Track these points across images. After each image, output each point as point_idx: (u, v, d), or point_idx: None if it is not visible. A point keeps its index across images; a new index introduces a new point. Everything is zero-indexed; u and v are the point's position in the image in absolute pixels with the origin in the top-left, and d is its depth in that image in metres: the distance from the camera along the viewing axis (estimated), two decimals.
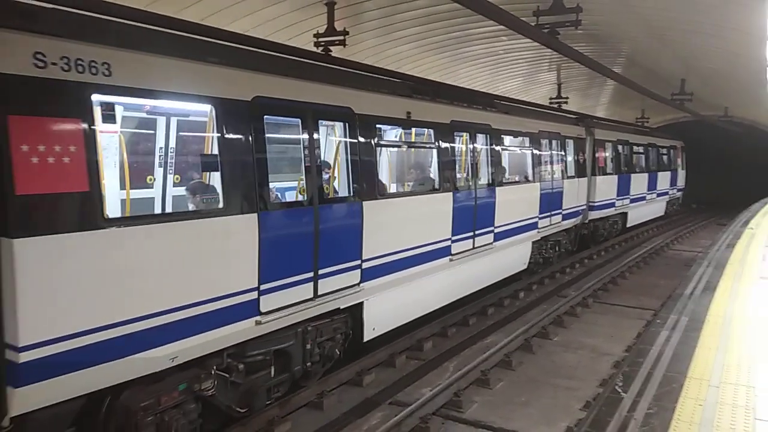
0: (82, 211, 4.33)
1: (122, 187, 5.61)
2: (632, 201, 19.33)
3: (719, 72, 16.58)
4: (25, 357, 4.04)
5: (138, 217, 5.23)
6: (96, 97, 4.48)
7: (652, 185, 21.58)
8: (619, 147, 17.89)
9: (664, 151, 23.42)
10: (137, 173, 6.30)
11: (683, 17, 11.23)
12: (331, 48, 8.51)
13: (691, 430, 4.27)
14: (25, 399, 4.12)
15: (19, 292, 3.97)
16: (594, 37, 13.74)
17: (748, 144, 34.67)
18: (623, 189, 18.24)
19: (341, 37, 8.45)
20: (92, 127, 4.39)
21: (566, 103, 18.40)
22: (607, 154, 16.94)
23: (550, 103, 18.03)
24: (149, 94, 5.00)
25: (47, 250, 4.11)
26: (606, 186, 16.71)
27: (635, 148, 19.65)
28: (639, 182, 19.92)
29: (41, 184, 4.08)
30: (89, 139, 4.35)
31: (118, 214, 5.36)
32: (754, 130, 30.72)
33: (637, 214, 20.40)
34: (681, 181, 26.46)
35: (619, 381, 5.18)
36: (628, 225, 19.81)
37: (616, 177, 17.50)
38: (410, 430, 6.22)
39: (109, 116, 4.87)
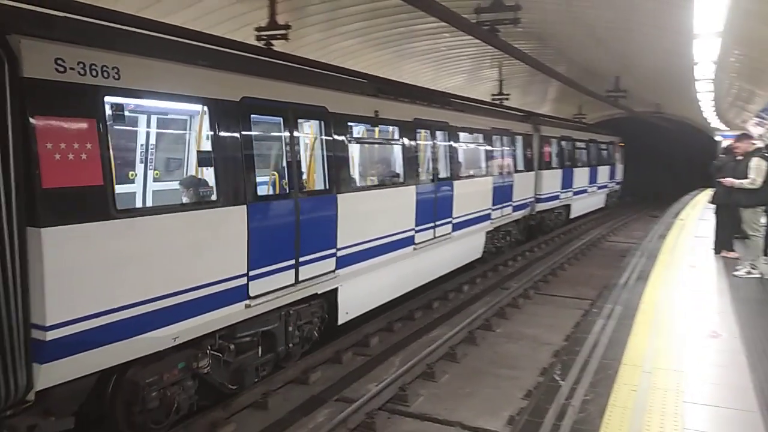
0: (97, 203, 4.73)
1: (129, 180, 6.50)
2: (575, 194, 20.36)
3: (651, 70, 17.28)
4: (51, 335, 4.46)
5: (146, 208, 6.13)
6: (108, 99, 4.95)
7: (593, 179, 22.71)
8: (563, 143, 18.76)
9: (604, 146, 24.55)
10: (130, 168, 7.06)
11: (617, 17, 11.64)
12: (273, 42, 8.39)
13: (625, 415, 4.45)
14: (49, 375, 4.53)
15: (46, 276, 4.38)
16: (533, 35, 14.06)
17: (678, 139, 36.37)
18: (567, 182, 19.14)
19: (283, 31, 8.33)
20: (105, 125, 4.83)
21: (508, 99, 18.78)
22: (552, 150, 17.81)
23: (493, 99, 18.37)
24: (152, 95, 5.47)
25: (70, 238, 4.53)
26: (551, 180, 17.56)
27: (577, 143, 20.58)
28: (581, 176, 20.96)
29: (64, 178, 4.49)
30: (102, 137, 4.77)
31: (131, 206, 6.09)
32: (685, 126, 32.24)
33: (579, 206, 21.49)
34: (619, 175, 27.85)
35: (557, 370, 5.35)
36: (571, 216, 20.77)
37: (560, 171, 18.42)
38: (356, 427, 6.23)
39: (119, 116, 5.45)
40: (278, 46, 8.60)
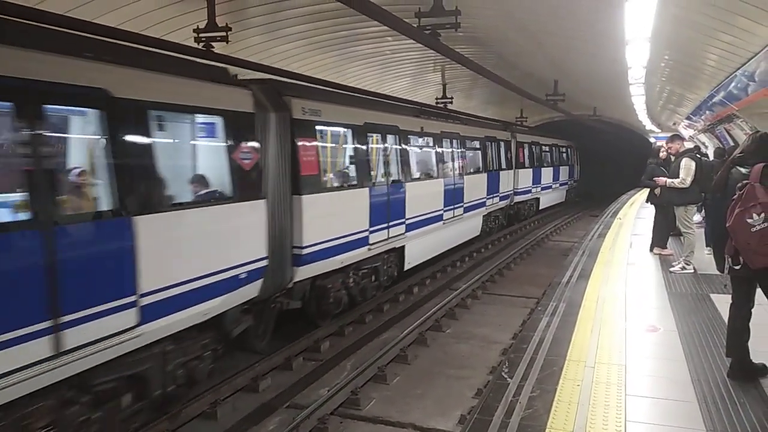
0: (318, 183, 8.69)
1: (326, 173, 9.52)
2: (543, 189, 25.03)
3: (588, 74, 17.82)
4: (304, 252, 8.22)
5: (335, 187, 9.55)
6: (317, 128, 8.76)
7: (556, 177, 27.82)
8: (533, 147, 23.51)
9: (564, 149, 29.97)
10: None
11: (554, 22, 11.95)
12: (213, 44, 8.21)
13: (571, 410, 4.57)
14: (299, 274, 8.28)
15: (304, 220, 8.15)
16: (474, 40, 14.28)
17: (615, 141, 37.66)
18: (536, 179, 23.80)
19: (223, 33, 8.16)
20: (317, 143, 8.70)
21: (451, 103, 18.97)
22: (525, 153, 22.23)
23: (437, 102, 18.54)
24: (331, 125, 9.45)
25: (312, 201, 8.33)
26: (525, 177, 22.04)
27: (544, 147, 25.54)
28: (548, 174, 25.91)
29: (307, 170, 8.32)
30: (318, 149, 8.76)
31: (330, 185, 9.48)
32: (621, 129, 33.43)
33: (546, 199, 26.35)
34: (576, 174, 33.60)
35: (505, 368, 5.44)
36: (540, 207, 25.52)
37: (531, 170, 22.97)
38: None
39: (322, 137, 9.14)
40: (218, 48, 8.43)
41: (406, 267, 11.98)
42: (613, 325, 6.67)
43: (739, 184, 4.78)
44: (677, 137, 10.21)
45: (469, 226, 16.03)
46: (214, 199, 6.57)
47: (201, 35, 8.33)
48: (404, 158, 11.60)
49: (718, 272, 5.17)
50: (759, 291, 4.99)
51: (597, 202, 29.52)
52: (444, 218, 13.57)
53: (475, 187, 16.08)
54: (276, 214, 7.69)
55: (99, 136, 5.20)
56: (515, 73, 17.39)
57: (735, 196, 4.75)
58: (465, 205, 15.02)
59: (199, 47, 8.27)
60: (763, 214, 4.54)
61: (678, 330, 6.42)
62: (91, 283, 4.94)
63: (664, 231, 10.85)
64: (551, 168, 26.80)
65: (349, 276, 9.88)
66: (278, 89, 8.26)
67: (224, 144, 6.66)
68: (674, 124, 20.73)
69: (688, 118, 16.73)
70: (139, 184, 5.46)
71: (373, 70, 16.90)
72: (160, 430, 6.03)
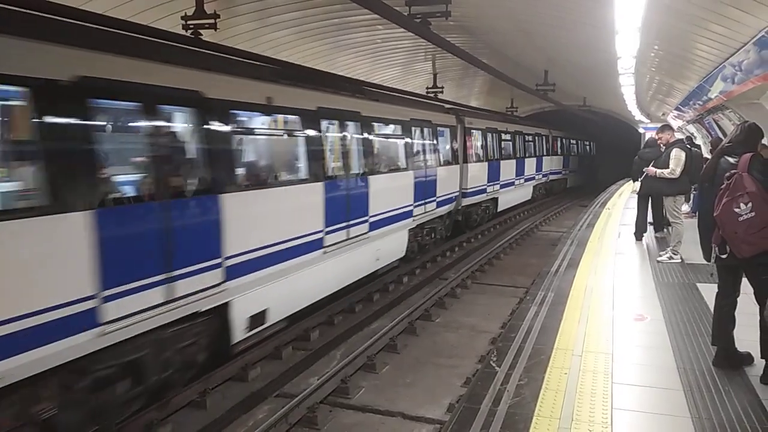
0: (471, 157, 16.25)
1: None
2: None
3: (577, 64, 17.84)
4: (465, 192, 16.40)
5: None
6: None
7: (566, 164, 31.37)
8: (560, 139, 25.44)
9: (574, 141, 31.02)
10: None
11: (545, 12, 11.93)
12: (201, 32, 8.12)
13: (558, 397, 4.61)
14: (464, 202, 16.44)
15: (468, 176, 16.42)
16: (465, 29, 14.24)
17: (604, 131, 37.81)
18: (565, 164, 28.00)
19: (211, 20, 8.07)
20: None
21: (442, 92, 18.94)
22: (557, 145, 25.61)
23: (427, 92, 18.50)
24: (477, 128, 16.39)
25: (470, 167, 16.55)
26: (551, 162, 25.64)
27: (562, 140, 28.14)
28: (550, 162, 27.71)
29: (469, 154, 16.52)
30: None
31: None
32: (610, 119, 33.56)
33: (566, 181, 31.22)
34: (572, 164, 33.66)
35: (493, 357, 5.46)
36: (568, 187, 30.69)
37: (561, 157, 27.10)
38: (297, 422, 6.19)
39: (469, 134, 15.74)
40: (207, 36, 8.34)
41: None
42: (600, 314, 6.72)
43: (727, 174, 4.81)
44: (667, 127, 10.26)
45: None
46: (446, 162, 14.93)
47: (189, 22, 8.25)
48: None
49: (704, 261, 5.21)
50: (745, 280, 5.04)
51: (587, 192, 29.66)
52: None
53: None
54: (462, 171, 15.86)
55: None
56: (506, 63, 17.38)
57: (723, 186, 4.78)
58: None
59: (188, 34, 8.18)
60: (750, 204, 4.57)
61: (665, 319, 6.48)
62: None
63: (645, 220, 11.19)
64: (560, 156, 28.40)
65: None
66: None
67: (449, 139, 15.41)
68: (663, 114, 20.82)
69: (677, 108, 16.80)
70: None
71: (364, 58, 16.83)
72: (150, 420, 6.02)
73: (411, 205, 12.29)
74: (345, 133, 9.69)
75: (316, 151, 8.59)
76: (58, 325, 4.69)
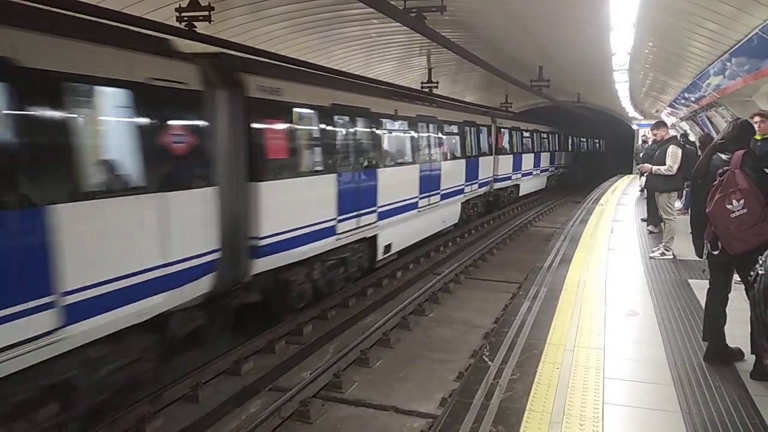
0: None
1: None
2: (556, 167, 29.47)
3: (572, 60, 17.88)
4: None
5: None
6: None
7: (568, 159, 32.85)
8: (574, 137, 27.39)
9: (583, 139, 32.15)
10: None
11: (541, 8, 11.94)
12: (196, 24, 8.08)
13: (550, 392, 4.63)
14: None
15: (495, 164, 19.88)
16: (460, 24, 14.23)
17: (598, 128, 37.88)
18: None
19: (206, 13, 8.03)
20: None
21: (437, 87, 18.95)
22: (572, 144, 26.80)
23: (422, 87, 18.48)
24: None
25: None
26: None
27: (573, 139, 29.45)
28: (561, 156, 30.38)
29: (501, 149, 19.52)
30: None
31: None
32: (603, 115, 33.65)
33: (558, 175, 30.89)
34: (568, 160, 34.51)
35: (486, 351, 5.48)
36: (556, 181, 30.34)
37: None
38: (290, 415, 6.18)
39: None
40: (201, 28, 8.29)
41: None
42: (592, 309, 6.74)
43: (720, 171, 4.83)
44: (662, 124, 10.28)
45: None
46: (484, 153, 17.75)
47: (183, 14, 8.21)
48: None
49: (696, 258, 5.23)
50: (736, 277, 5.07)
51: (580, 189, 29.75)
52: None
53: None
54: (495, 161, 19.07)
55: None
56: (500, 58, 17.38)
57: (715, 183, 4.80)
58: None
59: (182, 27, 8.13)
60: (742, 200, 4.59)
61: (656, 314, 6.51)
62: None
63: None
64: (563, 152, 30.29)
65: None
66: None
67: (487, 135, 18.68)
68: (657, 111, 20.87)
69: (670, 105, 16.85)
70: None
71: (359, 53, 16.79)
72: (142, 413, 6.00)
73: (462, 184, 16.35)
74: (436, 134, 14.42)
75: (431, 144, 13.93)
76: (322, 232, 8.85)
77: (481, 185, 18.09)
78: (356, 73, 14.80)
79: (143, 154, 5.70)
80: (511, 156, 21.84)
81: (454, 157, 15.50)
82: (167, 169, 5.98)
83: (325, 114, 8.90)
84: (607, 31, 8.93)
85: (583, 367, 5.08)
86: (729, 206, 4.64)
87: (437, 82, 18.81)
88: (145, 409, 6.06)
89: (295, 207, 8.18)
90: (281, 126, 7.87)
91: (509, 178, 21.74)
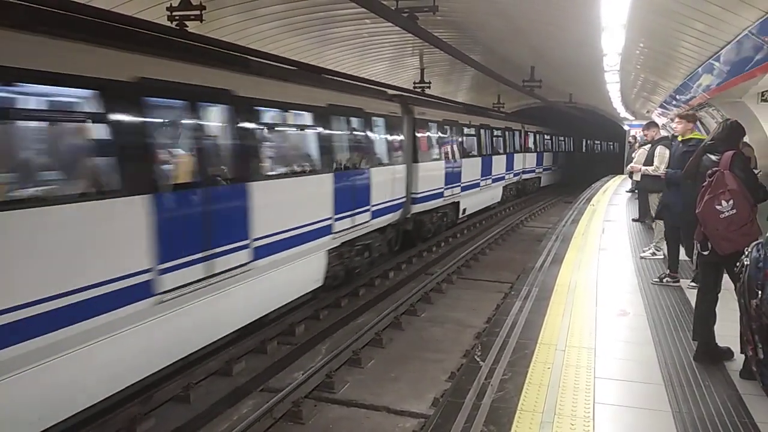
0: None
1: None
2: (544, 169, 30.58)
3: (564, 60, 17.92)
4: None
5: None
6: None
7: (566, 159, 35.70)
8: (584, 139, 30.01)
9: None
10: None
11: (533, 8, 11.96)
12: (187, 23, 8.04)
13: (541, 392, 4.64)
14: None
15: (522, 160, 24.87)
16: (452, 24, 14.23)
17: (590, 127, 38.04)
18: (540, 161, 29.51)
19: (197, 12, 8.00)
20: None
21: (429, 87, 18.93)
22: (584, 145, 29.17)
23: (414, 87, 18.47)
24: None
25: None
26: (537, 159, 28.42)
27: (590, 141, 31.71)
28: (549, 157, 31.49)
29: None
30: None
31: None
32: (595, 115, 33.80)
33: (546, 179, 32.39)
34: (561, 160, 35.72)
35: (478, 351, 5.49)
36: (542, 185, 31.06)
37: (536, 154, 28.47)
38: (282, 416, 6.18)
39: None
40: (192, 27, 8.26)
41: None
42: (584, 309, 6.77)
43: (709, 171, 4.86)
44: (653, 124, 10.34)
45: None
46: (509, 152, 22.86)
47: (174, 14, 8.16)
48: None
49: (686, 258, 5.27)
50: (726, 276, 5.11)
51: (572, 189, 29.85)
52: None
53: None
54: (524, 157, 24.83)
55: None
56: (493, 59, 17.41)
57: (705, 183, 4.83)
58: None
59: (173, 26, 8.09)
60: (731, 201, 4.63)
61: (647, 314, 6.54)
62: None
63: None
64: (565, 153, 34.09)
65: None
66: None
67: (516, 135, 24.48)
68: (648, 112, 20.98)
69: (661, 106, 16.94)
70: None
71: (352, 53, 16.76)
72: (132, 414, 5.98)
73: (503, 173, 21.57)
74: (489, 136, 19.76)
75: (487, 143, 19.53)
76: (437, 195, 14.89)
77: (515, 175, 23.70)
78: (349, 73, 14.79)
79: (387, 149, 11.99)
80: (536, 154, 27.43)
81: (498, 153, 20.92)
82: (394, 155, 12.33)
83: (446, 125, 15.54)
84: (598, 31, 8.97)
85: (574, 367, 5.10)
86: (718, 207, 4.68)
87: (430, 82, 18.82)
88: (135, 410, 6.04)
89: (431, 178, 14.25)
90: (427, 133, 14.24)
91: (533, 171, 27.56)
